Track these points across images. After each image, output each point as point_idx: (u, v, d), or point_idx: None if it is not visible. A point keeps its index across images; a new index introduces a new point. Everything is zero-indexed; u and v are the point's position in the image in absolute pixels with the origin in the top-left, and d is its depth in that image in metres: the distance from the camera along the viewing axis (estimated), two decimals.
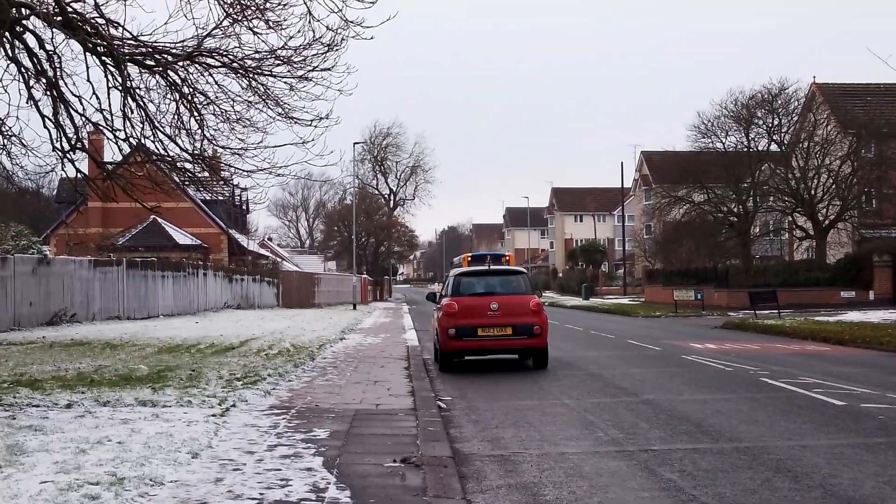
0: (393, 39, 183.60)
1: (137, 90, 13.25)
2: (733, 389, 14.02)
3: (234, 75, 13.44)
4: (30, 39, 12.80)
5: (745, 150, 51.23)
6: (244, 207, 62.90)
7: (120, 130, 13.26)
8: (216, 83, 13.51)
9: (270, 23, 12.92)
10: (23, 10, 12.35)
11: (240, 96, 13.65)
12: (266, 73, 13.36)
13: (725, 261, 54.20)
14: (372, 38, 13.09)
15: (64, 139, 13.19)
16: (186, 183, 17.39)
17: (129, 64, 12.76)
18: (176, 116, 13.57)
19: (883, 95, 53.11)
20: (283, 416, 10.69)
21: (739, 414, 11.51)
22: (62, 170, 13.94)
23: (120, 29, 12.75)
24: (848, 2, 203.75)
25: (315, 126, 13.83)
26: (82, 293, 31.21)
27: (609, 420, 11.19)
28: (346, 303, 59.90)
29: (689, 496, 7.32)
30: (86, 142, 14.15)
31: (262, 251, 72.17)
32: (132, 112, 13.20)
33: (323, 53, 13.09)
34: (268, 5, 12.82)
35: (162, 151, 13.92)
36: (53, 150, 13.35)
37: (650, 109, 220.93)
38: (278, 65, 13.23)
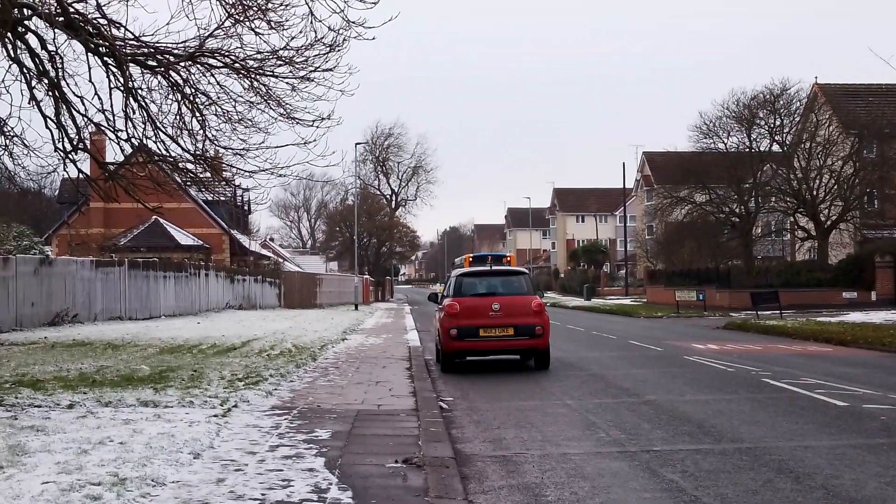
0: (395, 40, 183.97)
1: (139, 91, 13.27)
2: (735, 390, 14.01)
3: (235, 76, 13.45)
4: (32, 40, 12.84)
5: (747, 150, 51.22)
6: (246, 208, 62.87)
7: (122, 131, 13.29)
8: (218, 84, 13.56)
9: (272, 23, 12.93)
10: (25, 10, 12.37)
11: (241, 97, 13.67)
12: (268, 73, 13.37)
13: (727, 261, 54.17)
14: (374, 38, 13.11)
15: (66, 140, 13.21)
16: (188, 183, 17.43)
17: (130, 64, 12.76)
18: (178, 117, 13.59)
19: (885, 96, 53.14)
20: (284, 416, 10.69)
21: (741, 415, 11.51)
22: (64, 170, 14.03)
23: (122, 29, 12.78)
24: (848, 2, 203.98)
25: (317, 126, 13.85)
26: (84, 294, 31.19)
27: (611, 421, 11.19)
28: (347, 303, 59.86)
29: (690, 497, 7.32)
30: (88, 142, 14.18)
31: (264, 252, 72.17)
32: (134, 112, 13.22)
33: (325, 54, 13.10)
34: (270, 6, 12.83)
35: (164, 152, 13.94)
36: (55, 151, 13.39)
37: (651, 109, 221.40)
38: (280, 65, 13.24)
